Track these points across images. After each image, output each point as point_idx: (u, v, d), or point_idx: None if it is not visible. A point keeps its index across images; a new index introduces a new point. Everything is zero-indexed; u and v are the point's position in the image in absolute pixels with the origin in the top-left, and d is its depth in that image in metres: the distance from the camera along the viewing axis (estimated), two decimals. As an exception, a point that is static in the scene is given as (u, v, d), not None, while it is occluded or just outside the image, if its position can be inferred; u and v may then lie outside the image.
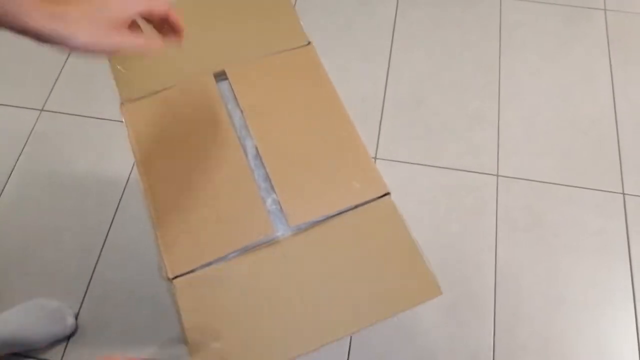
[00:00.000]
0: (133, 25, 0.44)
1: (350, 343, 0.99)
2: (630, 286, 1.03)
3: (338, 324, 0.50)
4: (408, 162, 1.17)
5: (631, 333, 1.00)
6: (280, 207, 0.56)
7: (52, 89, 1.27)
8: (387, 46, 1.33)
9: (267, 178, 0.57)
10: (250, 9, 0.68)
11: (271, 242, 0.55)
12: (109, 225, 1.10)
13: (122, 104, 0.62)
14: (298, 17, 0.68)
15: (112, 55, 0.45)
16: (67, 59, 1.31)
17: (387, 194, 0.57)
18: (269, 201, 0.57)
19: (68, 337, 0.98)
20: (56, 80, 1.29)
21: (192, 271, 0.53)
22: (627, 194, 1.13)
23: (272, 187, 0.56)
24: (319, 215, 0.55)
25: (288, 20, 0.68)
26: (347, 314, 0.50)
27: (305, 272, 0.52)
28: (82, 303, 1.02)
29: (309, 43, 0.66)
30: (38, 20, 0.36)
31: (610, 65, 1.30)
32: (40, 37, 0.36)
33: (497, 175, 1.15)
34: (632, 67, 1.29)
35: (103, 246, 1.08)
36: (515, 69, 1.29)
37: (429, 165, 1.16)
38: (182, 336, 0.50)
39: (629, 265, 1.05)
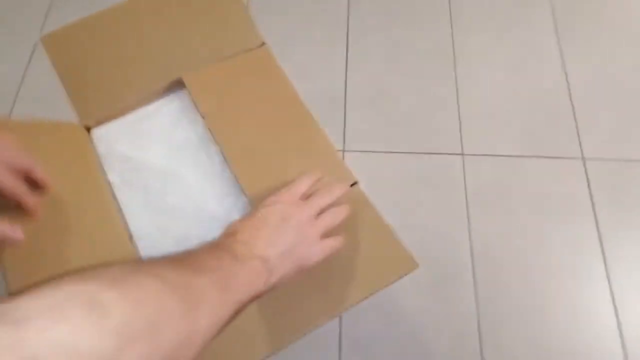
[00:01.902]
0: None
1: (340, 334, 1.00)
2: (599, 245, 1.08)
3: (318, 311, 0.51)
4: (375, 152, 1.19)
5: (604, 289, 1.04)
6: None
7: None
8: (342, 40, 1.35)
9: (236, 182, 0.58)
10: (201, 12, 0.68)
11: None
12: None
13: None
14: (251, 18, 0.68)
15: None
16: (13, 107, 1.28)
17: (355, 183, 0.58)
18: (239, 204, 0.57)
19: None
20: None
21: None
22: (587, 158, 1.17)
23: (242, 191, 0.57)
24: None
25: (241, 22, 0.68)
26: (325, 300, 0.51)
27: None
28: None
29: (264, 44, 0.66)
30: None
31: (558, 38, 1.34)
32: None
33: (463, 155, 1.18)
34: (579, 36, 1.34)
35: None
36: (469, 50, 1.33)
37: (396, 152, 1.19)
38: None
39: (595, 227, 1.10)
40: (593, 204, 1.12)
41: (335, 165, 0.59)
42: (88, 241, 0.53)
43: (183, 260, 0.34)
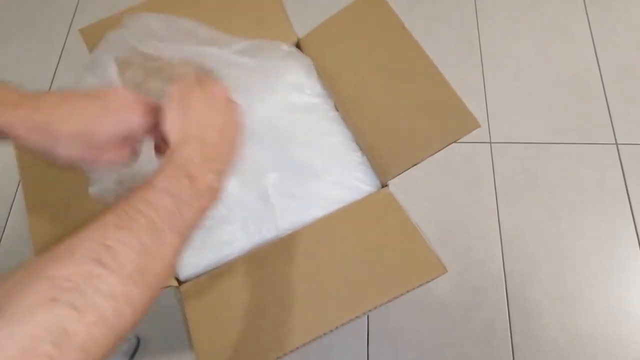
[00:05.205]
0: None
1: (367, 324, 1.01)
2: (635, 233, 1.05)
3: (342, 310, 0.51)
4: (401, 142, 1.17)
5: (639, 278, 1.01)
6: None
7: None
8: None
9: (261, 183, 0.58)
10: (237, 6, 0.67)
11: (275, 238, 0.56)
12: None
13: None
14: (287, 14, 0.67)
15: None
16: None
17: (386, 186, 0.58)
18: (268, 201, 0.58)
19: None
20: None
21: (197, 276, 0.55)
22: (620, 144, 1.13)
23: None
24: None
25: (277, 17, 0.67)
26: (351, 299, 0.51)
27: (309, 265, 0.54)
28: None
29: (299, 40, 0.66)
30: (24, 132, 0.38)
31: (588, 17, 1.29)
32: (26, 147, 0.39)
33: (490, 143, 1.16)
34: (610, 16, 1.29)
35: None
36: (494, 36, 1.29)
37: (422, 142, 1.17)
38: (189, 342, 0.51)
39: (630, 213, 1.06)
40: (627, 191, 1.09)
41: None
42: None
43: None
